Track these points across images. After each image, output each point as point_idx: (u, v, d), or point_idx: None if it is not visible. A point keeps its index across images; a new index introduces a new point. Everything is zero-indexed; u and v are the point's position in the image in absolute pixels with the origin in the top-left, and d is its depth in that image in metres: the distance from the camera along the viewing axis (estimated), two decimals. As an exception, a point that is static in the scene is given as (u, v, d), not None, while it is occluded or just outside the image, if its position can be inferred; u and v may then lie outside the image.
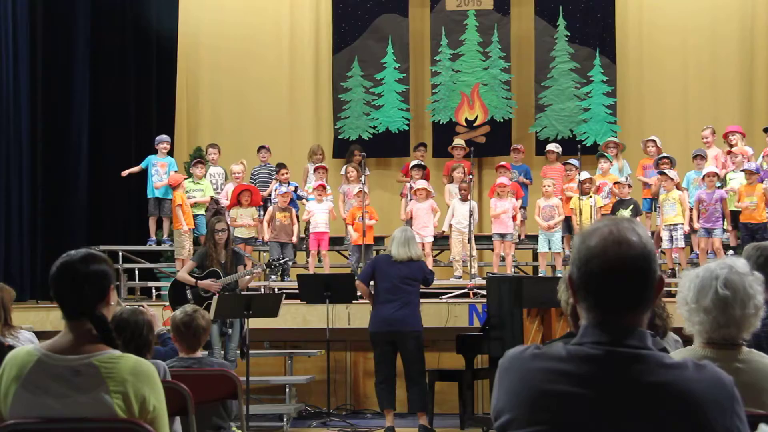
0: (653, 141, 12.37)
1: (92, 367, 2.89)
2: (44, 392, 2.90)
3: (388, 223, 12.78)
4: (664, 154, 11.84)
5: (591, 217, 11.28)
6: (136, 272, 12.03)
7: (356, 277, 9.18)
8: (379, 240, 12.45)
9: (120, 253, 11.84)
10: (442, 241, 12.08)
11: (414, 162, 12.58)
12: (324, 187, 11.98)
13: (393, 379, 8.72)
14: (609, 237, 2.06)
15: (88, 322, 2.96)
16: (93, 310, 2.95)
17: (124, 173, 12.32)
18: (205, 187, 12.15)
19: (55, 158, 12.91)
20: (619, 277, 2.05)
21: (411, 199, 11.89)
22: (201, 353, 5.45)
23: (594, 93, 13.90)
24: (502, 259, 11.73)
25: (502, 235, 11.66)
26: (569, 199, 11.79)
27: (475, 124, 13.98)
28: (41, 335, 6.82)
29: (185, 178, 12.02)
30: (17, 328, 6.02)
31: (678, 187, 11.48)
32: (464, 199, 11.79)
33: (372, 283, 8.75)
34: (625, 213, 11.23)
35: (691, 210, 11.35)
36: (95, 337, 2.96)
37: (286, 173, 12.33)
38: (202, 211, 11.98)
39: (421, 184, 11.86)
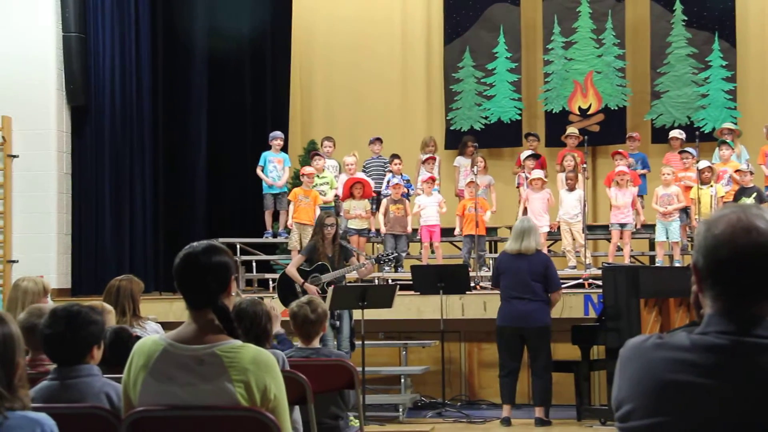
0: None
1: (215, 356, 2.95)
2: (170, 380, 2.97)
3: (500, 214, 12.69)
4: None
5: (711, 207, 10.95)
6: (254, 264, 12.28)
7: (491, 284, 9.18)
8: (492, 231, 12.40)
9: (237, 246, 12.09)
10: (555, 232, 11.94)
11: (527, 152, 12.45)
12: (433, 180, 11.97)
13: (517, 371, 8.70)
14: (737, 224, 2.00)
15: (210, 312, 3.02)
16: (216, 301, 3.01)
17: (263, 177, 12.49)
18: (329, 179, 12.32)
19: (175, 156, 13.28)
20: (749, 265, 1.98)
21: (527, 189, 11.80)
22: (318, 344, 5.52)
23: (713, 78, 13.46)
24: (618, 249, 11.52)
25: (622, 225, 11.45)
26: (687, 188, 11.49)
27: (589, 113, 13.75)
28: (165, 326, 7.03)
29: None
30: (144, 319, 6.21)
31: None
32: (571, 189, 11.63)
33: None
34: (748, 201, 10.87)
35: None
36: (217, 327, 3.02)
37: (399, 163, 12.38)
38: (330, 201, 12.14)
39: (537, 173, 11.74)
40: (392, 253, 10.11)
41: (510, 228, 12.56)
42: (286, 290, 9.30)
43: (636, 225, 11.93)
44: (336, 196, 12.30)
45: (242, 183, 13.45)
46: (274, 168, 12.56)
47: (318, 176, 12.22)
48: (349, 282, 9.94)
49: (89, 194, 12.49)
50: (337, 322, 9.22)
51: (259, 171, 12.54)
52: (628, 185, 11.52)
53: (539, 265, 8.57)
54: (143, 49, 12.87)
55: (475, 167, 11.79)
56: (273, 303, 5.27)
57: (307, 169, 11.92)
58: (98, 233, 12.47)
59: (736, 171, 11.34)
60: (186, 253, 3.07)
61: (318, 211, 11.74)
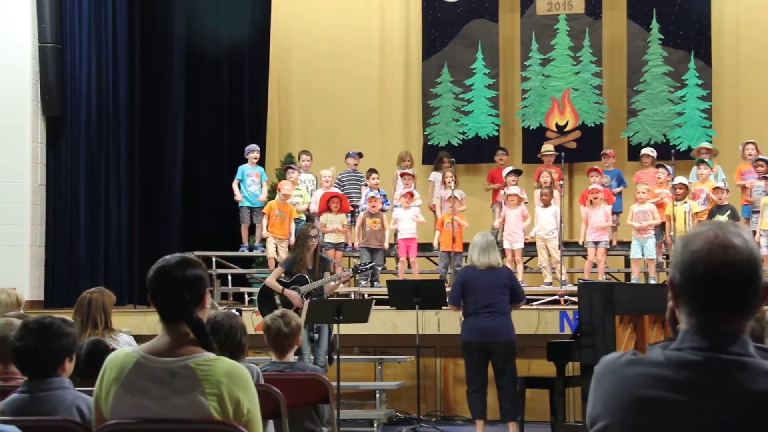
0: (753, 144, 12.01)
1: (188, 369, 2.93)
2: (142, 393, 2.95)
3: (477, 229, 12.70)
4: (762, 156, 11.52)
5: (686, 224, 11.02)
6: (229, 278, 12.22)
7: (448, 301, 9.15)
8: (468, 246, 12.40)
9: (213, 259, 12.05)
10: (531, 247, 11.98)
11: (509, 168, 12.49)
12: (412, 195, 11.99)
13: (485, 386, 8.69)
14: (715, 240, 2.01)
15: (184, 325, 3.01)
16: (190, 314, 2.99)
17: (238, 197, 12.43)
18: (303, 193, 12.32)
19: (152, 168, 13.22)
20: (725, 282, 1.99)
21: (504, 205, 11.84)
22: (293, 358, 5.49)
23: (688, 97, 13.58)
24: (594, 266, 11.57)
25: (597, 242, 11.50)
26: (662, 204, 11.55)
27: (566, 130, 13.82)
28: (139, 339, 6.97)
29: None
30: (117, 331, 6.17)
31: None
32: (546, 204, 11.68)
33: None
34: (722, 219, 10.95)
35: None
36: (191, 340, 3.00)
37: (377, 178, 12.39)
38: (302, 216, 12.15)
39: (513, 190, 11.78)
40: (369, 263, 10.09)
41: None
42: (266, 303, 9.27)
43: (612, 242, 11.98)
44: (307, 210, 12.29)
45: (218, 196, 13.41)
46: (252, 182, 12.53)
47: (296, 188, 12.22)
48: (333, 295, 9.92)
49: (63, 206, 12.40)
50: (316, 335, 9.19)
51: (235, 185, 12.48)
52: (601, 203, 11.57)
53: (505, 278, 8.62)
54: (120, 60, 12.81)
55: (452, 182, 11.76)
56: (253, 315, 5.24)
57: (285, 188, 11.89)
58: (72, 245, 12.37)
59: (714, 189, 11.39)
60: (159, 266, 3.05)
61: (293, 226, 11.72)
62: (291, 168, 12.38)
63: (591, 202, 11.60)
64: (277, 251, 11.65)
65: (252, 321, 9.56)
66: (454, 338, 9.20)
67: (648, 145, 13.23)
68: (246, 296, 11.93)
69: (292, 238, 11.73)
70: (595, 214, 11.54)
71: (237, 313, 4.87)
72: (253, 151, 12.67)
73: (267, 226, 11.78)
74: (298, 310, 8.61)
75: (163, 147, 13.32)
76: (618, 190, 12.51)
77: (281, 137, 14.67)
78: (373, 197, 11.88)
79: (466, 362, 8.71)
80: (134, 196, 12.96)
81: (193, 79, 13.65)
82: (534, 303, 10.58)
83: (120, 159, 12.75)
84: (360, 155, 12.99)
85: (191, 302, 3.01)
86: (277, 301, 9.26)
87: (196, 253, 11.31)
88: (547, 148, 13.04)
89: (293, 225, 11.83)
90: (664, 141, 13.41)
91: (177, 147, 13.36)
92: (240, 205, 12.51)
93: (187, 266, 3.05)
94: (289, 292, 9.21)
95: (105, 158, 12.64)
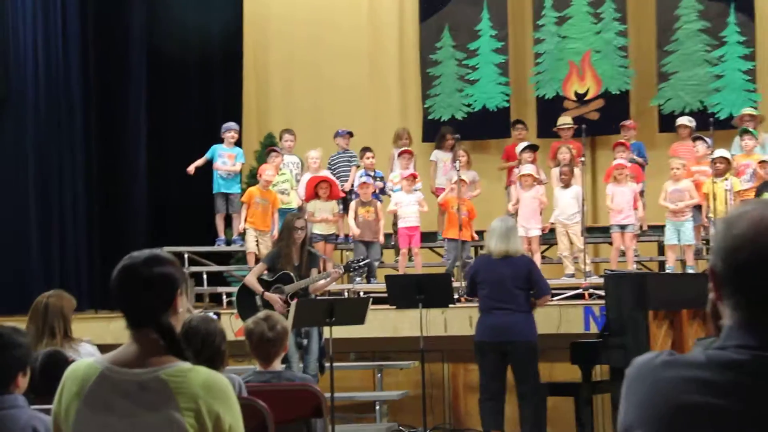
0: None
1: (160, 381, 2.93)
2: (108, 410, 2.95)
3: (487, 216, 12.70)
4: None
5: (727, 203, 10.99)
6: (204, 276, 12.22)
7: (465, 293, 9.16)
8: (479, 235, 12.42)
9: (185, 255, 12.03)
10: (550, 235, 11.99)
11: (523, 144, 12.47)
12: (414, 177, 11.99)
13: (501, 395, 8.66)
14: (761, 222, 2.00)
15: (153, 331, 3.01)
16: (159, 318, 2.99)
17: (190, 169, 12.41)
18: (288, 177, 12.30)
19: (112, 154, 13.22)
20: (773, 269, 1.99)
21: (518, 187, 11.84)
22: (279, 366, 5.50)
23: (728, 57, 13.55)
24: (622, 253, 11.58)
25: (623, 227, 11.50)
26: (700, 183, 11.53)
27: (587, 98, 13.81)
28: (102, 348, 6.94)
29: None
30: (78, 341, 6.17)
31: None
32: (566, 185, 11.68)
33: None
34: (771, 196, 10.95)
35: None
36: (163, 348, 3.00)
37: (372, 157, 12.38)
38: (294, 205, 12.13)
39: (528, 169, 11.77)
40: (363, 259, 10.08)
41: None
42: (246, 304, 9.27)
43: (641, 226, 11.98)
44: (301, 201, 12.28)
45: (190, 183, 13.39)
46: (223, 163, 12.51)
47: (280, 174, 12.20)
48: (322, 294, 9.93)
49: (9, 198, 12.39)
50: (304, 341, 9.19)
51: (197, 162, 12.43)
52: (627, 181, 11.57)
53: (523, 269, 8.55)
54: (71, 33, 12.80)
55: (457, 162, 11.77)
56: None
57: (267, 173, 11.86)
58: (22, 243, 12.36)
59: (761, 163, 11.24)
60: (125, 264, 3.05)
61: (277, 216, 11.71)
62: (274, 151, 12.35)
63: (615, 178, 11.59)
64: (258, 246, 11.64)
65: (231, 325, 9.57)
66: (463, 340, 9.22)
67: (682, 113, 13.21)
68: (224, 297, 11.94)
69: (276, 231, 11.71)
70: (620, 193, 11.53)
71: (215, 317, 4.88)
72: (230, 130, 12.64)
73: (246, 217, 11.76)
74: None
75: (124, 130, 13.31)
76: (640, 160, 12.43)
77: (260, 116, 14.66)
78: (364, 183, 11.85)
79: (480, 366, 8.70)
80: (92, 186, 12.95)
81: (157, 52, 13.62)
82: (554, 298, 10.58)
83: (75, 144, 12.74)
84: (350, 134, 12.98)
85: (161, 305, 3.01)
86: (259, 302, 9.26)
87: (167, 248, 11.31)
88: (565, 120, 13.03)
89: (277, 215, 11.81)
90: (701, 109, 13.40)
91: (140, 129, 13.35)
92: (214, 191, 12.49)
93: (156, 263, 3.04)
94: (271, 296, 9.20)
95: (57, 143, 12.63)
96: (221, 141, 12.61)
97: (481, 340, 8.60)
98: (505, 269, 8.49)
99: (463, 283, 11.20)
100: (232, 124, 12.76)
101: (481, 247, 12.50)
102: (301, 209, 12.10)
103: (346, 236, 12.19)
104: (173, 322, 3.03)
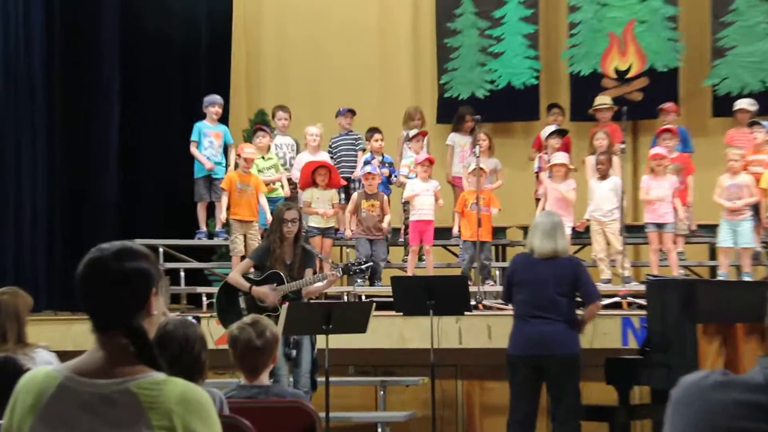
0: None
1: (129, 394, 2.92)
2: (68, 426, 2.95)
3: (511, 211, 12.71)
4: None
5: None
6: (182, 274, 12.23)
7: (502, 298, 9.10)
8: (500, 232, 12.42)
9: (160, 249, 12.04)
10: (584, 233, 11.99)
11: (550, 128, 12.45)
12: (431, 162, 11.98)
13: (533, 418, 8.61)
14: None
15: (122, 336, 3.00)
16: (130, 320, 2.99)
17: (208, 165, 12.38)
18: (274, 161, 12.30)
19: (78, 132, 13.22)
20: None
21: (548, 178, 11.84)
22: (267, 380, 5.50)
23: (796, 29, 13.56)
24: (663, 257, 11.58)
25: (660, 225, 11.49)
26: (759, 176, 11.52)
27: (629, 76, 13.80)
28: (61, 355, 6.95)
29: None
30: (33, 346, 6.17)
31: None
32: (603, 176, 11.66)
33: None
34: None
35: None
36: (133, 356, 3.00)
37: (380, 139, 12.40)
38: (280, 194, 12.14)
39: (560, 157, 11.76)
40: (366, 261, 10.07)
41: (525, 229, 12.67)
42: (228, 307, 9.27)
43: (690, 226, 11.97)
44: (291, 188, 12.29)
45: (167, 167, 13.41)
46: (210, 144, 12.50)
47: (263, 158, 12.18)
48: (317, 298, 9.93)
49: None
50: (293, 352, 9.18)
51: (193, 148, 12.46)
52: (665, 172, 11.55)
53: (569, 272, 8.44)
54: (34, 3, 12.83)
55: (477, 147, 11.76)
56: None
57: (246, 151, 11.83)
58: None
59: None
60: (92, 257, 3.04)
61: (263, 200, 11.71)
62: (261, 130, 12.34)
63: (652, 170, 11.58)
64: (246, 242, 11.62)
65: (211, 332, 9.57)
66: (481, 354, 9.23)
67: (741, 95, 13.20)
68: (204, 299, 11.95)
69: (269, 217, 11.72)
70: (658, 187, 11.51)
71: (194, 321, 4.88)
72: (214, 104, 12.64)
73: (228, 207, 11.74)
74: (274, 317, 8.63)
75: (93, 104, 13.31)
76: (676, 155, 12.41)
77: (250, 90, 14.67)
78: (369, 173, 11.84)
79: (511, 383, 8.64)
80: (54, 169, 12.95)
81: (132, 19, 13.63)
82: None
83: (35, 121, 12.75)
84: (352, 112, 12.97)
85: (133, 305, 3.01)
86: (242, 304, 9.26)
87: (139, 241, 11.31)
88: (604, 100, 13.01)
89: (264, 201, 11.81)
90: (763, 90, 13.39)
91: (112, 104, 13.36)
92: (196, 175, 12.48)
93: (128, 257, 3.03)
94: (259, 290, 9.19)
95: (14, 121, 12.63)
96: (203, 117, 12.60)
97: (515, 353, 8.51)
98: (548, 271, 8.39)
99: (481, 287, 11.23)
100: (215, 97, 12.75)
101: (504, 246, 12.57)
102: (292, 198, 12.10)
103: (344, 231, 12.18)
104: (146, 325, 3.02)
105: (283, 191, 12.25)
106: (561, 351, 8.34)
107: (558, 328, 8.33)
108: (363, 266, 9.75)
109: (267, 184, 12.02)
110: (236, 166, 12.18)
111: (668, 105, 12.81)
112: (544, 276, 8.35)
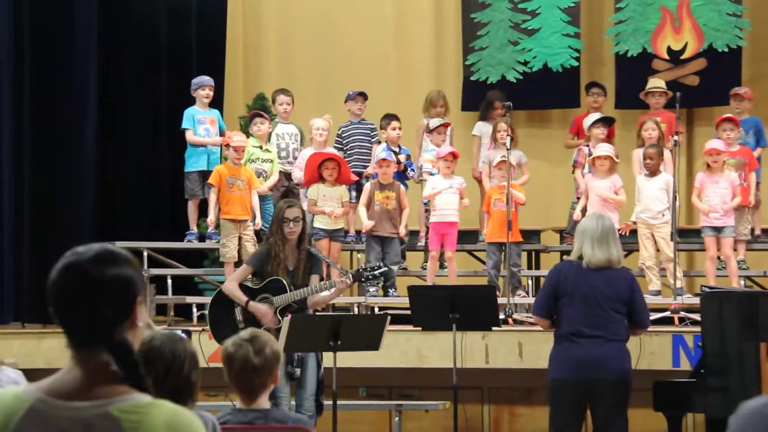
0: None
1: (110, 418, 2.93)
2: (40, 456, 2.96)
3: (546, 210, 12.69)
4: None
5: None
6: (169, 281, 12.24)
7: (533, 310, 9.02)
8: (532, 235, 12.40)
9: (144, 253, 12.06)
10: (630, 237, 11.95)
11: (595, 115, 12.41)
12: (455, 156, 11.95)
13: None
14: None
15: (103, 352, 3.00)
16: (111, 335, 2.99)
17: (212, 141, 12.44)
18: (273, 155, 12.29)
19: (49, 120, 13.20)
20: None
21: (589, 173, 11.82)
22: (266, 403, 5.51)
23: None
24: (721, 265, 11.57)
25: (717, 229, 11.47)
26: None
27: (684, 57, 13.77)
28: (29, 374, 6.99)
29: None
30: (-2, 364, 6.19)
31: None
32: (653, 173, 11.63)
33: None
34: None
35: None
36: (114, 375, 3.00)
37: (398, 128, 12.39)
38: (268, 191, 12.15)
39: (604, 149, 11.72)
40: (378, 266, 10.04)
41: (561, 231, 12.66)
42: (223, 320, 9.28)
43: (754, 230, 11.94)
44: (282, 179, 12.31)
45: (152, 159, 13.42)
46: (206, 132, 12.48)
47: (260, 148, 12.18)
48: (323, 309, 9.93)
49: None
50: (297, 370, 9.19)
51: (190, 135, 12.42)
52: (724, 170, 11.53)
53: (625, 287, 8.37)
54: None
55: (508, 138, 11.59)
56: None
57: (236, 139, 11.82)
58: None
59: None
60: (69, 262, 3.03)
61: (256, 198, 11.71)
62: (260, 116, 12.34)
63: (709, 166, 11.58)
64: (240, 248, 11.61)
65: (202, 348, 9.58)
66: (511, 375, 9.22)
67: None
68: (194, 310, 11.96)
69: (258, 220, 11.73)
70: (714, 185, 11.50)
71: (184, 336, 4.88)
72: (204, 86, 12.64)
73: (219, 205, 11.73)
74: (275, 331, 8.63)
75: (66, 89, 13.31)
76: (759, 152, 12.40)
77: (247, 72, 14.69)
78: (384, 160, 11.82)
79: (554, 411, 8.59)
80: (22, 163, 12.96)
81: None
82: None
83: (1, 97, 12.75)
84: (364, 97, 12.95)
85: (114, 317, 3.01)
86: (239, 316, 9.27)
87: (120, 243, 11.35)
88: (658, 83, 12.98)
89: (256, 199, 11.81)
90: None
91: (88, 88, 13.36)
92: (186, 169, 12.47)
93: (109, 262, 3.03)
94: (258, 307, 9.19)
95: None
96: (192, 102, 12.60)
97: (560, 377, 8.44)
98: (602, 283, 8.26)
99: (511, 299, 11.21)
100: (205, 79, 12.73)
101: (538, 252, 12.54)
102: (289, 191, 12.08)
103: (359, 233, 12.18)
104: (131, 339, 3.03)
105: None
106: (614, 376, 8.25)
107: (612, 349, 8.23)
108: (377, 272, 9.72)
109: (259, 174, 12.05)
110: (225, 158, 12.19)
111: (743, 90, 12.76)
112: (597, 289, 8.23)
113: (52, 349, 10.62)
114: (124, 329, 3.03)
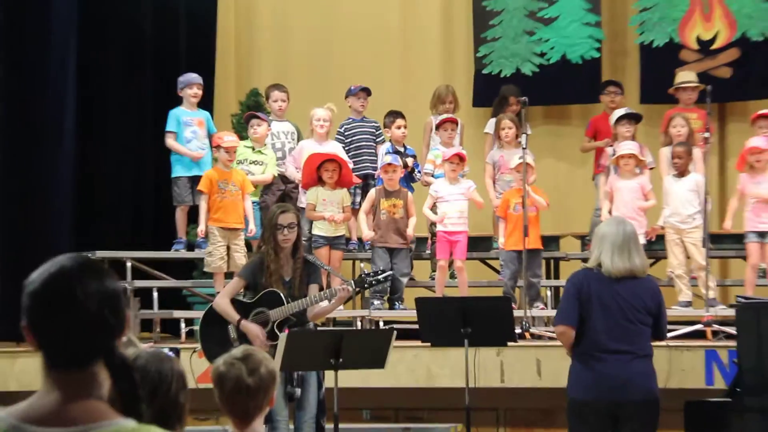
0: None
1: (92, 446, 2.92)
2: (14, 488, 2.94)
3: (566, 214, 12.69)
4: None
5: None
6: (155, 295, 12.23)
7: (555, 321, 8.96)
8: (551, 241, 12.38)
9: (128, 264, 12.05)
10: (658, 243, 11.96)
11: (621, 111, 12.40)
12: (462, 158, 11.93)
13: None
14: None
15: (84, 373, 2.98)
16: (111, 348, 2.97)
17: (192, 153, 12.42)
18: (268, 158, 12.26)
19: (23, 121, 13.21)
20: None
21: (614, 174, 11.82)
22: (261, 427, 5.50)
23: None
24: (762, 273, 11.55)
25: (762, 235, 11.46)
26: None
27: (714, 47, 13.79)
28: (2, 398, 6.97)
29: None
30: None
31: None
32: (682, 173, 11.63)
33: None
34: None
35: None
36: (95, 398, 2.98)
37: (404, 126, 12.39)
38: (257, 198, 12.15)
39: (629, 147, 11.71)
40: (384, 272, 10.00)
41: (582, 237, 12.66)
42: (214, 337, 9.27)
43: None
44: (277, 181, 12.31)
45: (135, 162, 13.43)
46: (193, 134, 12.47)
47: (252, 149, 12.17)
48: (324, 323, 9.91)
49: None
50: (298, 391, 9.17)
51: (170, 140, 12.43)
52: (767, 169, 11.54)
53: (653, 297, 8.28)
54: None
55: (524, 136, 11.57)
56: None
57: (227, 139, 11.79)
58: None
59: None
60: (50, 273, 3.01)
61: (249, 204, 11.70)
62: (256, 117, 12.32)
63: (751, 167, 11.57)
64: (228, 259, 11.59)
65: (192, 367, 9.58)
66: (528, 395, 9.19)
67: None
68: (182, 325, 11.96)
69: (252, 227, 11.71)
70: (756, 187, 11.50)
71: (171, 354, 4.87)
72: (192, 84, 12.63)
73: (208, 212, 11.72)
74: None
75: (42, 85, 13.32)
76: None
77: (239, 67, 14.73)
78: (390, 164, 11.80)
79: (572, 432, 8.61)
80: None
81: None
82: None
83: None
84: (367, 92, 12.93)
85: (109, 332, 2.99)
86: (233, 334, 9.27)
87: (101, 253, 11.36)
88: (689, 77, 12.97)
89: (249, 206, 11.79)
90: None
91: (65, 84, 13.37)
92: (174, 174, 12.47)
93: (94, 274, 3.02)
94: (249, 327, 9.17)
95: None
96: (179, 102, 12.58)
97: (581, 398, 8.40)
98: (627, 293, 8.22)
99: (528, 311, 11.20)
100: (193, 76, 12.71)
101: (557, 260, 12.54)
102: (286, 195, 12.08)
103: (361, 240, 12.16)
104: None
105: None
106: (642, 396, 8.21)
107: (639, 367, 8.16)
108: (381, 277, 9.69)
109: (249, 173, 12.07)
110: (215, 160, 12.16)
111: None
112: (623, 299, 8.18)
113: (26, 370, 10.60)
114: (118, 347, 3.01)
